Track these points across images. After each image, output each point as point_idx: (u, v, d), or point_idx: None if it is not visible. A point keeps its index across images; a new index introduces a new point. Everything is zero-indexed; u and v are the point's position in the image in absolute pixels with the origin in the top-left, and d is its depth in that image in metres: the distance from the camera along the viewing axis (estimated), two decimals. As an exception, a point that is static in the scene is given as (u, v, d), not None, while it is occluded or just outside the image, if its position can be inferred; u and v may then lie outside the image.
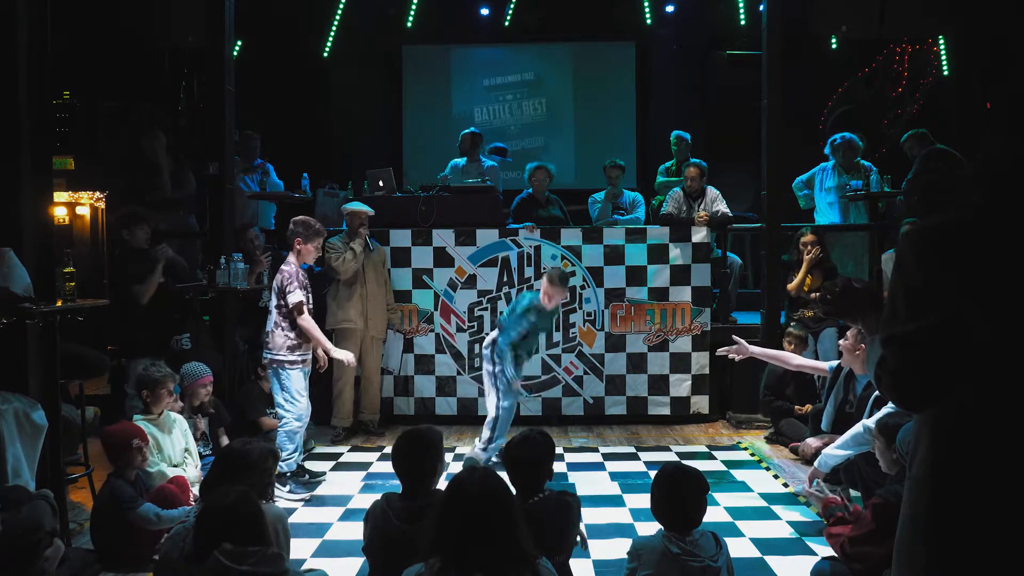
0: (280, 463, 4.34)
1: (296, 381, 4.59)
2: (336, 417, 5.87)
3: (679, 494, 2.65)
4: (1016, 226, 1.47)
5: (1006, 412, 1.44)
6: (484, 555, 1.97)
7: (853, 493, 4.37)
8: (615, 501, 4.45)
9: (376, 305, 5.92)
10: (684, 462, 2.96)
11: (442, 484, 2.96)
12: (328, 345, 4.75)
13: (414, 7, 9.43)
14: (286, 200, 6.73)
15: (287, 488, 4.48)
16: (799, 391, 5.61)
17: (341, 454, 5.48)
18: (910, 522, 1.58)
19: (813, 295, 5.91)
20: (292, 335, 4.57)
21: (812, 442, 4.73)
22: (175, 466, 4.08)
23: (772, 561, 3.56)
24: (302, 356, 4.62)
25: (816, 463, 4.00)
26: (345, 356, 4.84)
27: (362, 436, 5.95)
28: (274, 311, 4.61)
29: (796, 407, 5.53)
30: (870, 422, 3.68)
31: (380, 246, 6.10)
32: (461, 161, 7.41)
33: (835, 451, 3.90)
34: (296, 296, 4.54)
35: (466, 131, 7.49)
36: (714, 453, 5.43)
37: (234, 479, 2.88)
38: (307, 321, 4.58)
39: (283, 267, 4.67)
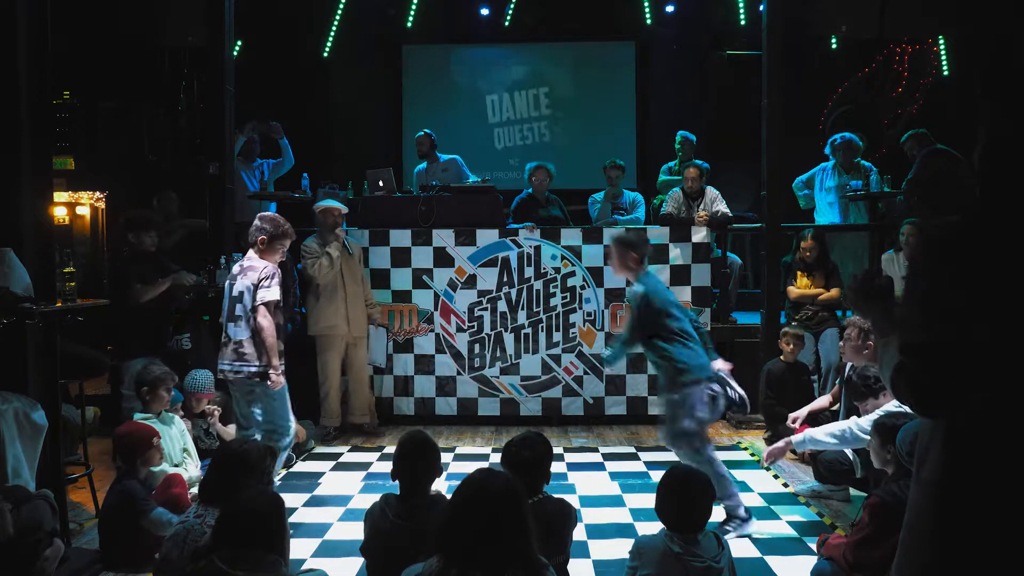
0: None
1: (285, 395, 4.13)
2: (325, 417, 5.87)
3: (689, 498, 2.64)
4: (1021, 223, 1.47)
5: (1020, 417, 1.44)
6: (492, 555, 1.97)
7: (854, 493, 4.39)
8: (615, 501, 4.44)
9: (357, 305, 5.87)
10: (688, 463, 2.97)
11: (441, 486, 2.99)
12: (276, 361, 4.08)
13: (414, 7, 9.44)
14: (286, 200, 6.73)
15: None
16: (796, 392, 5.60)
17: (341, 454, 5.48)
18: (917, 525, 1.58)
19: (822, 296, 5.92)
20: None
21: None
22: (176, 466, 4.07)
23: (772, 561, 3.56)
24: (282, 364, 4.14)
25: (795, 439, 3.89)
26: (278, 380, 4.13)
27: (362, 436, 5.95)
28: (248, 314, 4.06)
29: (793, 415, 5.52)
30: (863, 422, 3.68)
31: (353, 241, 6.01)
32: (422, 166, 7.41)
33: (822, 437, 3.84)
34: (272, 293, 4.04)
35: (420, 133, 7.45)
36: (714, 453, 5.42)
37: (233, 479, 2.88)
38: (269, 324, 4.03)
39: (254, 263, 4.13)
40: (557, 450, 5.29)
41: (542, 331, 6.27)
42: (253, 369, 4.08)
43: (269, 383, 4.07)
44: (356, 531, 3.68)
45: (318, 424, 5.88)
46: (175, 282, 5.22)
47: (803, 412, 4.91)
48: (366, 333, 6.00)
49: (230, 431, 4.73)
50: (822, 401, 5.10)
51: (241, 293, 4.12)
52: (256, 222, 4.26)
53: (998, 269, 1.45)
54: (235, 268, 4.25)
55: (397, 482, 2.89)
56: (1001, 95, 1.59)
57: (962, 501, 1.50)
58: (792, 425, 5.03)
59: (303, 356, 5.63)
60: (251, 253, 4.22)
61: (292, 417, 4.30)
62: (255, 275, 4.09)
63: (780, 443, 3.90)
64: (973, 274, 1.47)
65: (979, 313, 1.46)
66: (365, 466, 5.16)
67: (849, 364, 4.60)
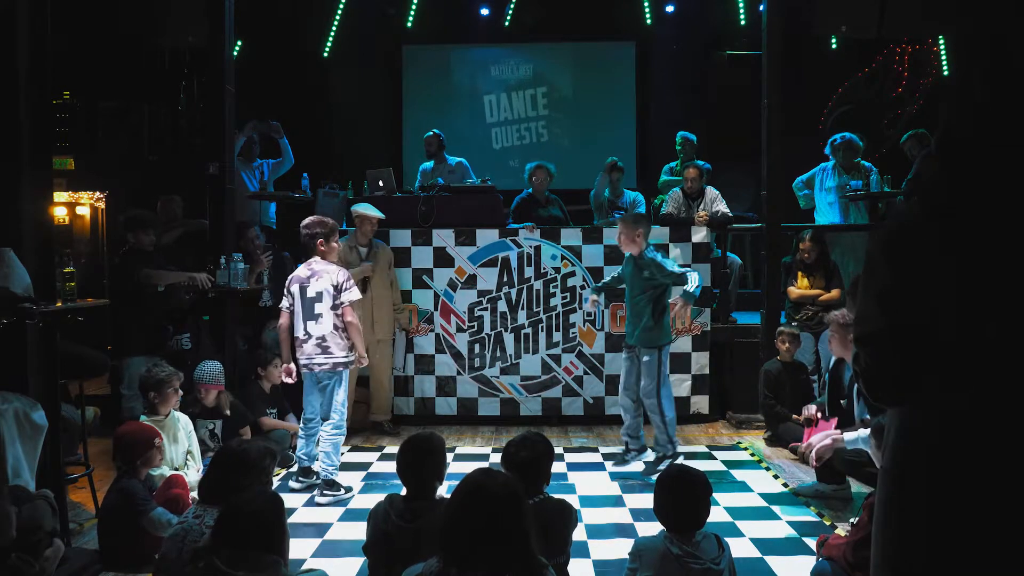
0: (328, 468, 4.51)
1: (346, 384, 4.69)
2: None
3: (682, 496, 2.64)
4: (979, 224, 1.49)
5: (969, 407, 1.48)
6: (491, 556, 1.97)
7: (855, 490, 4.39)
8: (615, 501, 4.44)
9: (382, 308, 5.91)
10: (685, 463, 2.97)
11: (442, 486, 2.98)
12: (362, 350, 4.71)
13: (414, 7, 9.44)
14: (286, 200, 6.73)
15: (327, 498, 4.47)
16: (794, 392, 5.62)
17: (341, 454, 5.47)
18: (877, 508, 1.65)
19: (823, 297, 5.93)
20: (344, 335, 4.56)
21: (815, 438, 4.74)
22: (176, 469, 4.06)
23: (772, 561, 3.56)
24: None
25: (847, 436, 3.97)
26: (366, 361, 4.83)
27: (362, 436, 5.95)
28: (330, 314, 4.52)
29: (794, 415, 5.53)
30: None
31: (386, 246, 6.08)
32: (429, 164, 7.46)
33: (859, 435, 3.92)
34: (356, 293, 4.61)
35: (429, 133, 7.50)
36: (714, 453, 5.43)
37: (232, 479, 2.88)
38: (357, 321, 4.64)
39: (326, 266, 4.59)
40: (557, 450, 5.28)
41: (542, 331, 6.27)
42: (339, 359, 4.55)
43: (363, 362, 4.71)
44: (356, 531, 3.68)
45: None
46: (190, 281, 5.25)
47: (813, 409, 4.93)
48: (392, 336, 6.06)
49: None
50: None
51: (319, 294, 4.53)
52: (305, 229, 4.66)
53: (946, 262, 1.49)
54: (303, 272, 4.63)
55: (401, 482, 2.89)
56: (962, 97, 1.63)
57: (909, 487, 1.54)
58: (798, 419, 5.06)
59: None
60: (316, 257, 4.63)
61: (347, 408, 4.70)
62: (332, 278, 4.55)
63: (827, 441, 3.98)
64: (920, 267, 1.51)
65: (927, 304, 1.50)
66: (365, 466, 5.16)
67: (830, 359, 4.68)
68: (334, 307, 4.53)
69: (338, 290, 4.53)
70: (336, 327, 4.52)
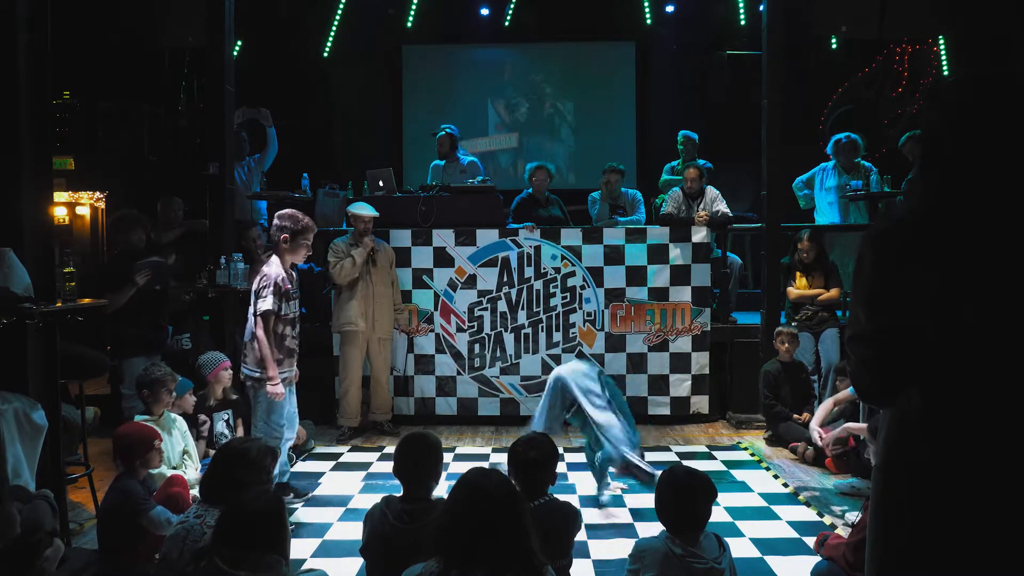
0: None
1: (276, 402, 4.04)
2: (342, 416, 5.88)
3: (689, 498, 2.63)
4: (961, 226, 1.50)
5: (949, 407, 1.50)
6: (492, 556, 1.97)
7: (859, 485, 4.39)
8: (615, 501, 4.44)
9: (383, 306, 5.91)
10: (686, 463, 2.96)
11: (441, 486, 2.97)
12: (272, 372, 3.99)
13: (414, 7, 9.45)
14: (286, 200, 6.72)
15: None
16: (794, 392, 5.62)
17: (341, 454, 5.48)
18: (870, 507, 1.67)
19: (822, 297, 5.94)
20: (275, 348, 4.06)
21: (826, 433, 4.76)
22: (174, 468, 4.06)
23: (772, 561, 3.56)
24: (284, 373, 4.09)
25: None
26: (275, 391, 4.02)
27: (362, 436, 5.95)
28: (251, 319, 4.06)
29: (794, 415, 5.53)
30: None
31: (387, 246, 6.09)
32: (441, 162, 7.46)
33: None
34: (265, 304, 3.97)
35: (441, 132, 7.46)
36: (714, 453, 5.42)
37: (233, 477, 2.88)
38: (262, 335, 3.98)
39: (264, 268, 4.09)
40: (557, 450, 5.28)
41: (542, 331, 6.27)
42: (247, 372, 4.13)
43: (268, 392, 4.02)
44: (356, 531, 3.67)
45: (335, 423, 5.86)
46: (134, 286, 5.10)
47: (821, 413, 4.94)
48: (391, 336, 6.06)
49: None
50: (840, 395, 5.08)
51: (251, 292, 4.15)
52: (276, 221, 4.17)
53: (928, 265, 1.50)
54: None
55: (399, 482, 2.88)
56: (936, 94, 1.66)
57: (895, 485, 1.56)
58: (798, 419, 5.06)
59: (312, 355, 5.61)
60: (274, 256, 4.15)
61: (284, 424, 4.17)
62: (257, 281, 4.06)
63: (838, 430, 4.35)
64: (903, 269, 1.52)
65: (910, 307, 1.51)
66: (365, 466, 5.16)
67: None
68: (253, 313, 4.05)
69: (255, 296, 4.04)
70: (252, 335, 4.05)
